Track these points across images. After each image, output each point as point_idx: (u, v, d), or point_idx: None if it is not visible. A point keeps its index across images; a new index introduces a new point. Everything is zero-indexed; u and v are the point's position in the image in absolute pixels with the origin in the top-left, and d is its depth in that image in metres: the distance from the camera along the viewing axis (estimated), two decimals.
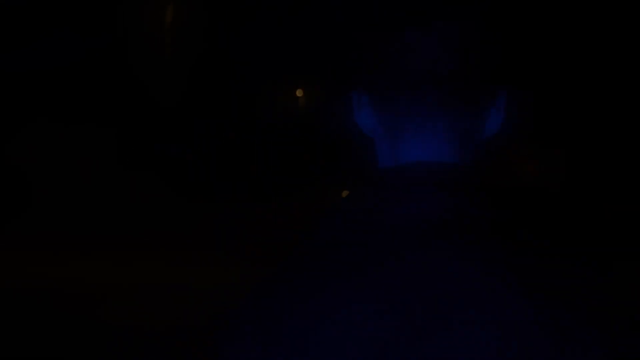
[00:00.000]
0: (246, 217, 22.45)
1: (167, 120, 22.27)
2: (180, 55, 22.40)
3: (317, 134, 30.18)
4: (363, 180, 1.16)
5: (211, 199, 25.09)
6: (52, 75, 23.14)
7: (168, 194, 22.91)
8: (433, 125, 1.15)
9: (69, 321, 9.55)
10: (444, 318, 1.03)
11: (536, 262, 1.07)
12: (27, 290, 11.74)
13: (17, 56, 22.58)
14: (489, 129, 1.20)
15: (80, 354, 8.21)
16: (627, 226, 18.93)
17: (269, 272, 1.14)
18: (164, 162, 22.22)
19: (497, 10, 1.18)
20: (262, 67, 27.24)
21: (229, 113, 25.86)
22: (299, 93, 34.80)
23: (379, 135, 1.20)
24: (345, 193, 1.22)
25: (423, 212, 1.10)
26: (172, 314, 9.91)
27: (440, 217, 1.09)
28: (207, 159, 24.25)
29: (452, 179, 1.13)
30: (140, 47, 23.13)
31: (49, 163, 23.70)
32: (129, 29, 23.06)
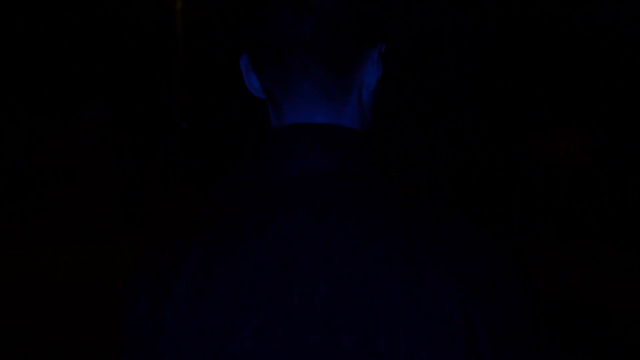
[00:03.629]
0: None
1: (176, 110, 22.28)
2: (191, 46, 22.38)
3: None
4: (256, 141, 1.20)
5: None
6: (53, 65, 23.26)
7: (172, 185, 23.30)
8: (299, 88, 1.19)
9: (71, 319, 9.30)
10: (331, 272, 1.08)
11: (410, 216, 1.10)
12: (28, 286, 11.89)
13: None
14: (367, 84, 1.22)
15: (82, 355, 7.99)
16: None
17: (166, 233, 1.19)
18: (169, 153, 22.30)
19: None
20: None
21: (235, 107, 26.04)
22: None
23: (265, 98, 1.24)
24: None
25: (301, 170, 1.14)
26: None
27: (317, 175, 1.14)
28: (208, 150, 24.40)
29: (327, 138, 1.16)
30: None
31: (49, 156, 24.01)
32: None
